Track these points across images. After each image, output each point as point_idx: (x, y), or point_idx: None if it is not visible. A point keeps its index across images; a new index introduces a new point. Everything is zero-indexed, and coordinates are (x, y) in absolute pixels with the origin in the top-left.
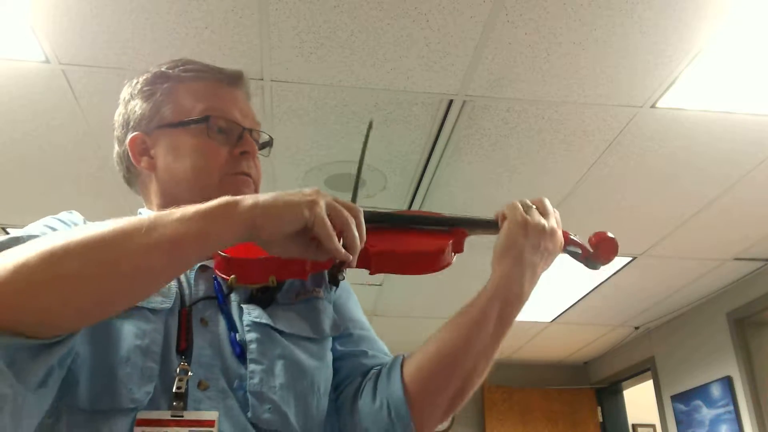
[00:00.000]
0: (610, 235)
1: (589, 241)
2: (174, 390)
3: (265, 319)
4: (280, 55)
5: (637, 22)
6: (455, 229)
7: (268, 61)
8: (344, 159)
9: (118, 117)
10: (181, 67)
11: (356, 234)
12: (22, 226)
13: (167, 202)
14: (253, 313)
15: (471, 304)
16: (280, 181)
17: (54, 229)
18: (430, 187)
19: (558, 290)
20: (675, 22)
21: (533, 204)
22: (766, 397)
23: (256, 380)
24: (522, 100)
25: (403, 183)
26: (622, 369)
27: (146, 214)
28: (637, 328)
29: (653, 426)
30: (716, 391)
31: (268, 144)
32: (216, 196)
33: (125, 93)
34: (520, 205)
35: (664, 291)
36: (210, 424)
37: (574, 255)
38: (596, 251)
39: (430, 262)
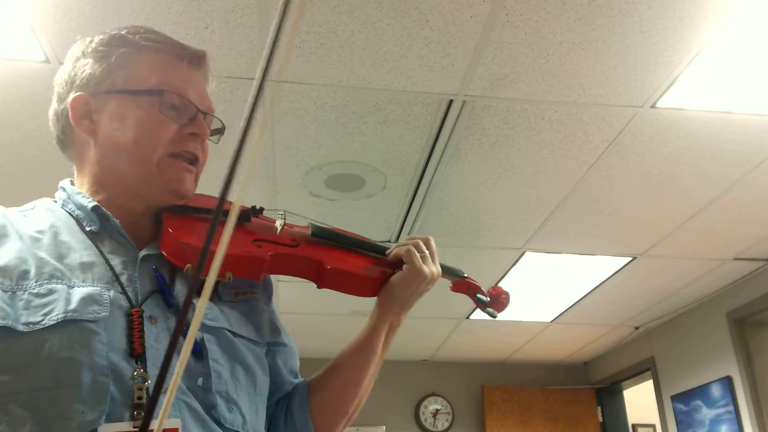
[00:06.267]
0: (504, 289)
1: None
2: (135, 400)
3: (220, 322)
4: (280, 55)
5: (637, 22)
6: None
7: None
8: (344, 159)
9: (63, 73)
10: (143, 35)
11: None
12: None
13: (103, 172)
14: (209, 313)
15: (366, 343)
16: (280, 181)
17: None
18: (430, 187)
19: (558, 290)
20: (675, 22)
21: (425, 248)
22: (766, 397)
23: (220, 379)
24: (522, 100)
25: (403, 183)
26: (622, 369)
27: (69, 189)
28: (637, 328)
29: (653, 426)
30: (716, 391)
31: (220, 131)
32: (155, 174)
33: (76, 49)
34: (417, 252)
35: (664, 291)
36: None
37: (479, 302)
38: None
39: (366, 287)
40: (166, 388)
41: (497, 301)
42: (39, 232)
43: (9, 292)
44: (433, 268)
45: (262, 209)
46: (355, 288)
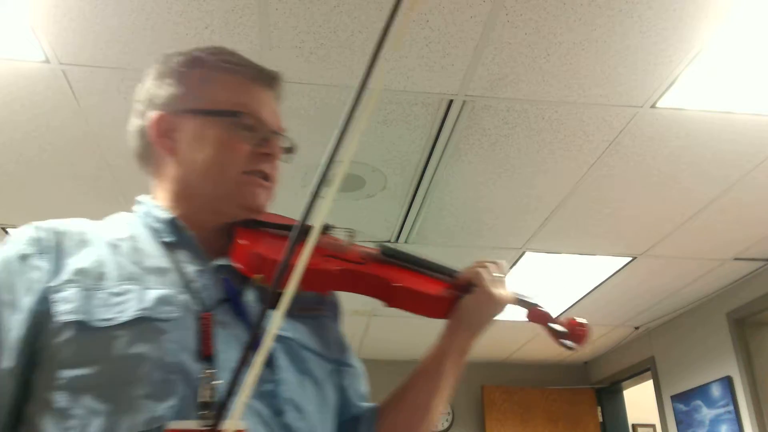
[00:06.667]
0: (581, 320)
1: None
2: (204, 399)
3: (290, 333)
4: (280, 55)
5: (637, 22)
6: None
7: (268, 61)
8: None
9: (142, 91)
10: (221, 56)
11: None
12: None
13: (181, 187)
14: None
15: (434, 367)
16: (280, 181)
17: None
18: (430, 187)
19: (558, 290)
20: (675, 22)
21: (497, 271)
22: (766, 397)
23: (289, 387)
24: (522, 100)
25: (403, 183)
26: (622, 369)
27: (148, 203)
28: (637, 328)
29: (653, 426)
30: (716, 391)
31: (291, 150)
32: (232, 191)
33: (156, 69)
34: (487, 275)
35: (664, 291)
36: None
37: (552, 332)
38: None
39: (435, 308)
40: (236, 391)
41: (574, 333)
42: (118, 239)
43: (87, 291)
44: (503, 292)
45: (331, 226)
46: (424, 308)
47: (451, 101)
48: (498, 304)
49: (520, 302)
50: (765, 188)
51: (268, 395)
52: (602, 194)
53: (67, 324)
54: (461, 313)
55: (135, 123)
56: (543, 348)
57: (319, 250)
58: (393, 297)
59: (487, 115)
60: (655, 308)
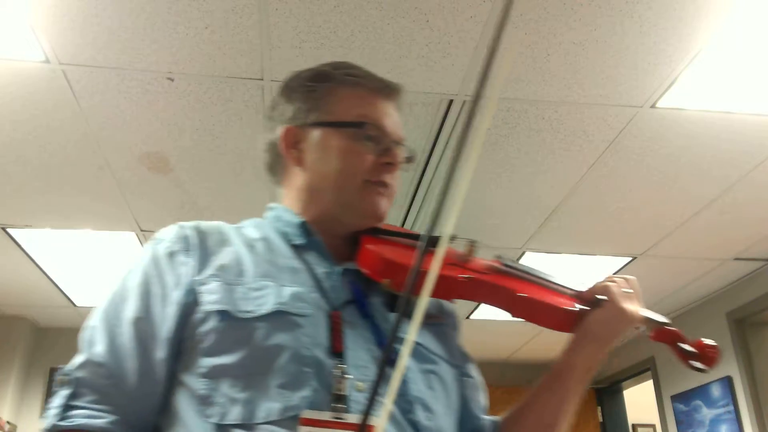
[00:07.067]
0: (710, 342)
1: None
2: (335, 392)
3: (416, 338)
4: (280, 55)
5: (637, 22)
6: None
7: (268, 61)
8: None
9: (276, 106)
10: (345, 70)
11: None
12: (22, 226)
13: (308, 196)
14: (403, 329)
15: (559, 383)
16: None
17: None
18: (430, 187)
19: None
20: (675, 22)
21: (628, 287)
22: (766, 397)
23: (417, 386)
24: (522, 100)
25: (403, 183)
26: (622, 369)
27: (279, 208)
28: (637, 327)
29: (653, 426)
30: (716, 391)
31: (411, 160)
32: (354, 199)
33: (285, 85)
34: (617, 290)
35: (664, 291)
36: (370, 430)
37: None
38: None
39: (561, 320)
40: (362, 386)
41: (705, 355)
42: (254, 240)
43: (228, 285)
44: (635, 309)
45: (454, 237)
46: (548, 320)
47: (451, 101)
48: (628, 320)
49: (649, 320)
50: (765, 188)
51: (398, 394)
52: (602, 194)
53: (212, 313)
54: (588, 328)
55: (266, 138)
56: (543, 348)
57: (445, 260)
58: (516, 307)
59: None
60: (655, 308)
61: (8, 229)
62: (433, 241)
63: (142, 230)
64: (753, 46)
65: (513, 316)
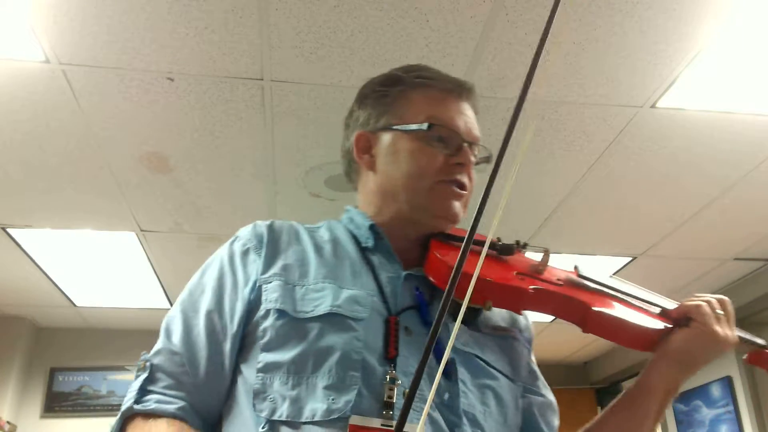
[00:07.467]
0: None
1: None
2: (385, 399)
3: (473, 349)
4: (280, 55)
5: (637, 22)
6: (670, 319)
7: (268, 61)
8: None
9: (351, 113)
10: (415, 73)
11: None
12: (22, 226)
13: (381, 200)
14: (461, 338)
15: (636, 406)
16: (280, 181)
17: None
18: None
19: None
20: (675, 22)
21: (722, 309)
22: (766, 397)
23: (469, 401)
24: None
25: None
26: (622, 369)
27: (353, 211)
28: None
29: None
30: (716, 391)
31: (487, 160)
32: (426, 200)
33: (359, 92)
34: (709, 311)
35: (664, 291)
36: None
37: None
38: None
39: (639, 338)
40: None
41: None
42: (323, 242)
43: (289, 285)
44: (728, 332)
45: (525, 244)
46: (626, 337)
47: None
48: (720, 345)
49: (745, 343)
50: (765, 188)
51: (446, 406)
52: (602, 194)
53: (271, 311)
54: (672, 348)
55: (344, 145)
56: (543, 348)
57: (511, 267)
58: (590, 322)
59: (487, 115)
60: None
61: (8, 229)
62: (494, 247)
63: (142, 230)
64: (753, 46)
65: (584, 331)
